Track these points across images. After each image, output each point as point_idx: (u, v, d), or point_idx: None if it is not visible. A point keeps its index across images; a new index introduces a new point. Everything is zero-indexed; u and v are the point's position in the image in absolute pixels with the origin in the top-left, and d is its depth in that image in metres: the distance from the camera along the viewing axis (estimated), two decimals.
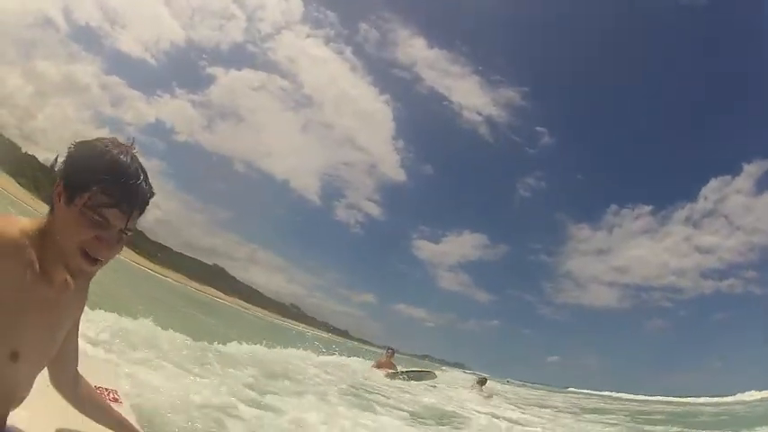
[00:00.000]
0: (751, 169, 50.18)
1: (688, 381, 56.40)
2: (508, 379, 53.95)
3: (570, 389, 47.66)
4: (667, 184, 60.90)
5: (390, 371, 12.40)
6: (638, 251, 57.50)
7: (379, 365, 12.86)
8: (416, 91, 63.75)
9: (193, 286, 45.88)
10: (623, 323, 61.59)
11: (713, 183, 54.02)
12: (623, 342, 63.73)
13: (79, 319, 1.44)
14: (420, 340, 66.25)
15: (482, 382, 14.04)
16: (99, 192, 1.16)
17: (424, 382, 12.46)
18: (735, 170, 53.00)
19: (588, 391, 45.01)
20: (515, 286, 72.33)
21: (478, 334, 64.54)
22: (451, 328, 65.06)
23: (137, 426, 1.69)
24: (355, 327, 65.70)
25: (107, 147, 1.23)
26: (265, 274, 68.52)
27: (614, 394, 42.30)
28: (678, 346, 54.56)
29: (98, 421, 1.60)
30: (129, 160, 1.23)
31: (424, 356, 66.71)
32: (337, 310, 72.15)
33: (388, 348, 13.85)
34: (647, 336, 59.50)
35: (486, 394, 13.21)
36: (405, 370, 12.87)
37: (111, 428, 1.61)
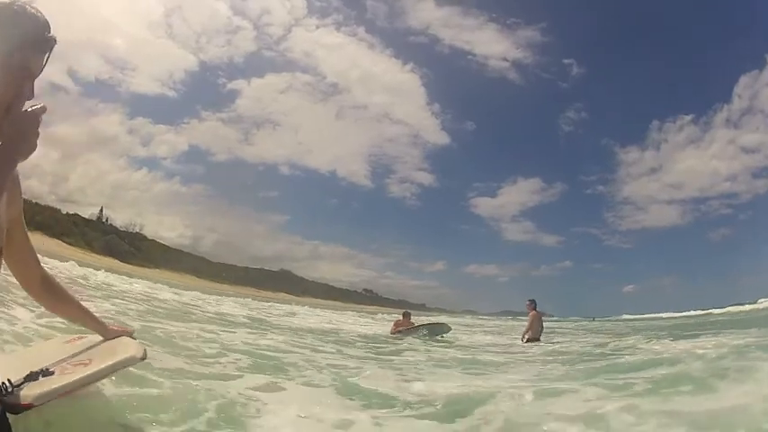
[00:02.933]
0: None
1: (760, 285, 55.38)
2: (594, 317, 52.34)
3: (647, 315, 47.37)
4: (701, 90, 63.83)
5: (403, 328, 12.52)
6: (688, 163, 60.72)
7: (396, 326, 12.93)
8: (438, 52, 63.39)
9: (263, 296, 44.59)
10: (689, 238, 60.57)
11: (743, 79, 56.66)
12: (693, 257, 62.39)
13: (18, 214, 1.60)
14: (497, 298, 65.78)
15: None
16: (22, 46, 1.26)
17: (440, 335, 12.45)
18: (760, 63, 56.17)
19: (668, 315, 45.49)
20: (579, 223, 71.42)
21: (552, 278, 64.26)
22: (525, 278, 64.51)
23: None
24: (432, 298, 65.56)
25: (16, 5, 1.28)
26: (332, 267, 68.61)
27: (692, 313, 42.34)
28: (743, 251, 52.28)
29: (69, 316, 2.07)
30: (38, 12, 1.31)
31: (504, 312, 66.32)
32: (412, 285, 72.22)
33: (405, 312, 13.84)
34: (715, 246, 57.75)
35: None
36: (418, 325, 12.77)
37: (83, 322, 2.02)
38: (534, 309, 12.48)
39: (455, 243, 67.85)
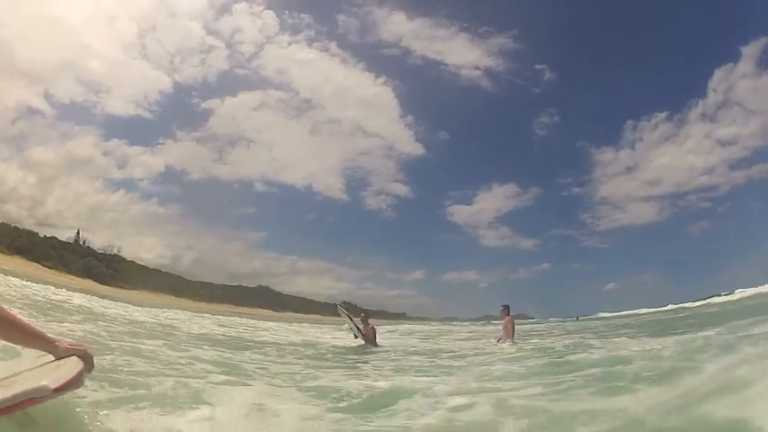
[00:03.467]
0: (749, 51, 50.85)
1: (737, 276, 55.43)
2: (578, 316, 54.28)
3: (625, 312, 48.62)
4: (675, 86, 60.17)
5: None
6: (664, 159, 57.82)
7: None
8: (410, 64, 64.11)
9: (240, 312, 45.63)
10: (668, 234, 60.93)
11: (717, 73, 53.97)
12: (672, 252, 63.39)
13: None
14: (477, 303, 66.32)
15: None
16: None
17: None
18: (734, 56, 53.26)
19: (645, 311, 46.57)
20: (555, 225, 72.59)
21: (531, 281, 64.82)
22: (503, 283, 65.12)
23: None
24: (411, 307, 65.79)
25: None
26: (311, 281, 68.91)
27: (670, 307, 43.30)
28: (723, 243, 54.06)
29: (8, 338, 1.97)
30: None
31: (486, 317, 67.33)
32: (391, 295, 72.43)
33: (361, 314, 14.36)
34: (694, 240, 59.62)
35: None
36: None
37: (25, 343, 1.95)
38: (508, 313, 13.32)
39: (433, 252, 68.82)
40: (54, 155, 55.28)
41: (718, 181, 54.89)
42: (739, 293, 36.64)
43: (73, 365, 2.02)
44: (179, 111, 65.23)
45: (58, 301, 18.92)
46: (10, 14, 57.08)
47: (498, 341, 12.92)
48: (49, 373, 1.93)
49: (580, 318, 51.50)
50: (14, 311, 2.03)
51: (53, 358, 2.13)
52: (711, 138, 54.26)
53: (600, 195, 61.76)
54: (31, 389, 1.76)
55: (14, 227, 50.68)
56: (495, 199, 65.90)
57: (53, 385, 1.80)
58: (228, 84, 63.88)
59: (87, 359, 2.25)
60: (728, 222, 54.76)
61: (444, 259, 69.41)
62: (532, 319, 68.24)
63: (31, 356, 2.26)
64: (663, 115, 56.29)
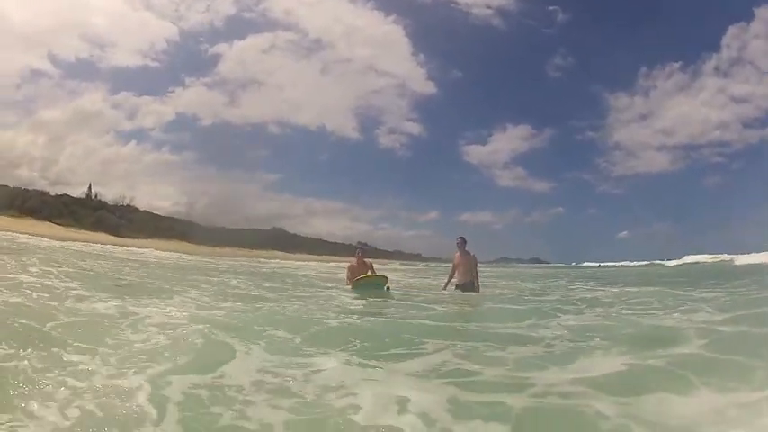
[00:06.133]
0: (762, 13, 49.79)
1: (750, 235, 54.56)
2: (599, 263, 53.36)
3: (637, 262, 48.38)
4: (689, 37, 60.06)
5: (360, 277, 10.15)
6: (678, 110, 57.26)
7: (351, 273, 10.56)
8: (420, 2, 64.32)
9: (255, 254, 45.83)
10: (681, 185, 59.04)
11: (732, 30, 52.09)
12: (686, 204, 61.69)
13: None
14: (492, 245, 66.44)
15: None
16: None
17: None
18: (747, 16, 52.05)
19: (660, 262, 46.67)
20: (570, 168, 71.78)
21: (546, 224, 64.14)
22: (518, 225, 65.10)
23: None
24: (427, 247, 66.39)
25: None
26: (327, 222, 69.11)
27: (689, 259, 42.52)
28: (738, 200, 53.46)
29: None
30: None
31: (501, 259, 67.92)
32: (407, 236, 72.76)
33: (358, 247, 11.67)
34: (707, 194, 58.43)
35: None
36: (373, 276, 10.34)
37: None
38: (464, 248, 10.48)
39: (448, 192, 68.26)
40: (62, 113, 55.18)
41: (732, 137, 54.07)
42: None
43: None
44: (187, 58, 64.41)
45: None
46: None
47: (445, 287, 10.49)
48: None
49: (601, 265, 51.44)
50: None
51: None
52: (725, 93, 53.05)
53: (614, 141, 61.25)
54: None
55: (24, 189, 51.03)
56: (509, 139, 64.71)
57: None
58: (236, 28, 62.67)
59: None
60: (741, 180, 53.33)
61: (459, 199, 69.09)
62: (547, 263, 68.69)
63: None
64: (677, 65, 55.62)
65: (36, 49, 61.31)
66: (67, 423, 2.49)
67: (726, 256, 36.32)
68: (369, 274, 10.34)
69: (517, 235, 64.98)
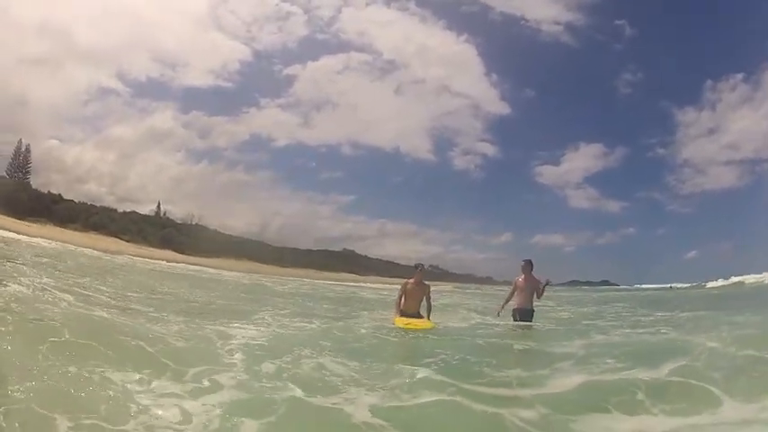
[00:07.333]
0: None
1: None
2: (671, 285, 47.66)
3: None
4: (749, 50, 55.04)
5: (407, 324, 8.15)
6: (742, 123, 55.51)
7: (403, 294, 8.79)
8: (491, 21, 62.14)
9: (324, 276, 42.14)
10: (748, 201, 55.15)
11: None
12: (753, 221, 55.75)
13: None
14: (563, 268, 63.63)
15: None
16: None
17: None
18: None
19: (721, 283, 42.55)
20: (642, 187, 68.88)
21: (616, 246, 62.14)
22: (589, 246, 60.87)
23: None
24: (499, 270, 62.80)
25: None
26: (399, 244, 66.43)
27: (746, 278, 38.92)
28: None
29: None
30: None
31: (572, 282, 62.57)
32: (479, 258, 69.41)
33: (418, 267, 9.11)
34: None
35: None
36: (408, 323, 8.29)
37: None
38: (530, 272, 8.99)
39: (521, 213, 66.11)
40: (133, 131, 54.79)
41: None
42: None
43: None
44: (261, 78, 63.92)
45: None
46: (66, 3, 56.49)
47: (498, 312, 9.30)
48: None
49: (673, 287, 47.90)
50: None
51: None
52: None
53: (682, 157, 59.14)
54: None
55: (90, 204, 49.83)
56: (583, 158, 62.14)
57: None
58: (309, 49, 62.85)
59: None
60: None
61: (532, 221, 66.60)
62: (616, 285, 62.80)
63: None
64: (739, 76, 53.49)
65: (104, 67, 62.25)
66: None
67: None
68: (418, 321, 8.48)
69: (587, 257, 61.21)
